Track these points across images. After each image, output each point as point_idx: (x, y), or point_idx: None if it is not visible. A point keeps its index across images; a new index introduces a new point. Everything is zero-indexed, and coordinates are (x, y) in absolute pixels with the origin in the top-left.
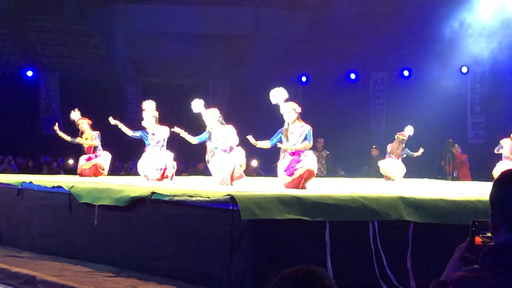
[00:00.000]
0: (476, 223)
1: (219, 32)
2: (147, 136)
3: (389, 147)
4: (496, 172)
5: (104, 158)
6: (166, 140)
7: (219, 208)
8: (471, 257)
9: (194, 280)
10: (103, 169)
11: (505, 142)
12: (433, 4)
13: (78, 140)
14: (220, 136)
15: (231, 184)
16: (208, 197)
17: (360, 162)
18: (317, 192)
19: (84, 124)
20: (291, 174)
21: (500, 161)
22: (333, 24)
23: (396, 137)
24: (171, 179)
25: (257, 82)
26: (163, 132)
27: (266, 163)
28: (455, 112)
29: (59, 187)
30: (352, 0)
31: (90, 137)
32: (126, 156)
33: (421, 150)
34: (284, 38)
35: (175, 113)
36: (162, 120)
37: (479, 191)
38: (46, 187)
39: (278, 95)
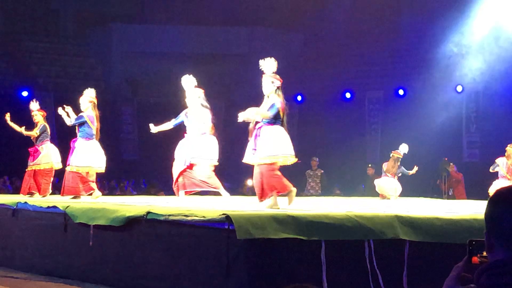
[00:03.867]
0: (474, 242)
1: (214, 51)
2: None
3: (385, 166)
4: (492, 190)
5: (46, 154)
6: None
7: (214, 228)
8: (468, 276)
9: None
10: (45, 174)
11: (500, 161)
12: (428, 24)
13: (26, 132)
14: (194, 118)
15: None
16: (204, 217)
17: (356, 181)
18: (312, 211)
19: (38, 116)
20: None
21: (496, 180)
22: (328, 44)
23: (391, 155)
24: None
25: (252, 101)
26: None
27: None
28: (450, 131)
29: (54, 207)
30: (347, 19)
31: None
32: (121, 175)
33: (416, 168)
34: (279, 58)
35: (171, 132)
36: (159, 139)
37: (475, 209)
38: (41, 207)
39: (267, 65)
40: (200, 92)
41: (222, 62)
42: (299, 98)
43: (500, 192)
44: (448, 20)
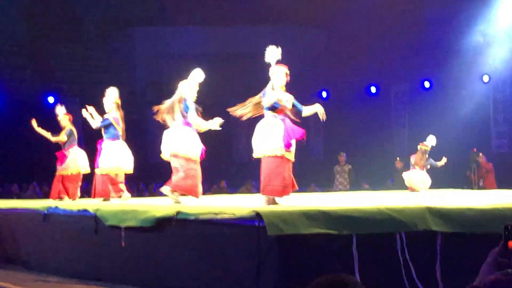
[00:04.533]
0: (510, 227)
1: (237, 51)
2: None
3: (413, 159)
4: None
5: (73, 159)
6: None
7: (245, 225)
8: (504, 261)
9: None
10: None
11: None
12: (452, 14)
13: (54, 137)
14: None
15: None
16: (234, 214)
17: (384, 175)
18: (343, 205)
19: (64, 120)
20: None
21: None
22: (351, 39)
23: (418, 148)
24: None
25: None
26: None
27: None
28: (478, 122)
29: (85, 210)
30: (370, 13)
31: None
32: (150, 177)
33: (444, 160)
34: (303, 55)
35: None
36: None
37: (506, 199)
38: (72, 211)
39: (272, 53)
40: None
41: (246, 62)
42: (324, 94)
43: None
44: (472, 9)
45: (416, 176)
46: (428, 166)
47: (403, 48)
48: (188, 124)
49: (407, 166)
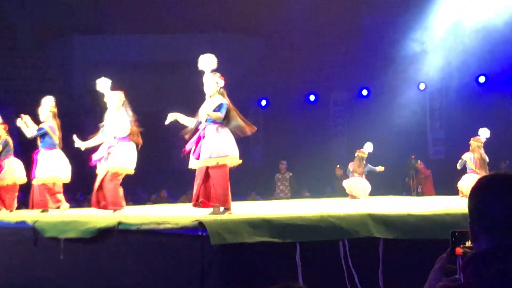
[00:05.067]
0: (456, 233)
1: (176, 59)
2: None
3: (351, 166)
4: (462, 184)
5: (9, 169)
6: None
7: (188, 235)
8: (452, 268)
9: None
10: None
11: (467, 156)
12: (388, 22)
13: None
14: (113, 121)
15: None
16: (176, 224)
17: (324, 183)
18: (285, 213)
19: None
20: (197, 157)
21: (466, 174)
22: (290, 47)
23: (356, 155)
24: None
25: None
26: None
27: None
28: (416, 129)
29: (23, 222)
30: (309, 22)
31: None
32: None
33: (381, 167)
34: (242, 63)
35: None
36: None
37: (445, 205)
38: (9, 222)
39: (206, 61)
40: (121, 95)
41: (184, 70)
42: (263, 102)
43: (482, 181)
44: (408, 18)
45: (356, 183)
46: (366, 172)
47: (341, 56)
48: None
49: (346, 174)
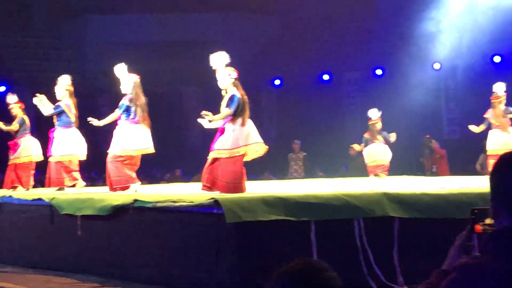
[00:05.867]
0: (476, 211)
1: (189, 39)
2: None
3: (367, 134)
4: (490, 143)
5: (25, 147)
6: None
7: (203, 212)
8: (471, 245)
9: (181, 286)
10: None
11: (489, 113)
12: (404, 2)
13: (5, 127)
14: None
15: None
16: (192, 202)
17: (338, 162)
18: (300, 191)
19: (15, 109)
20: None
21: (490, 131)
22: (303, 26)
23: (369, 126)
24: None
25: None
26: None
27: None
28: (430, 109)
29: (40, 199)
30: (323, 0)
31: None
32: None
33: (394, 135)
34: (255, 43)
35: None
36: None
37: (461, 184)
38: (26, 200)
39: (218, 59)
40: (136, 78)
41: (198, 49)
42: (277, 82)
43: (504, 157)
44: None
45: (378, 148)
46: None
47: (356, 35)
48: None
49: (360, 154)
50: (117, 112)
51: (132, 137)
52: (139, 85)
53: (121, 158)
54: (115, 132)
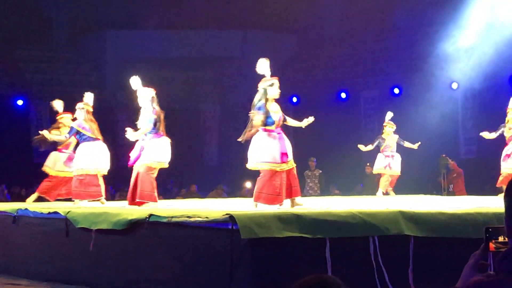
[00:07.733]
0: (490, 229)
1: (208, 55)
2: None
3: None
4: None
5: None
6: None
7: (218, 228)
8: (485, 264)
9: None
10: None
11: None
12: (422, 22)
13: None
14: (142, 118)
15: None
16: (207, 217)
17: (354, 181)
18: (316, 209)
19: (64, 119)
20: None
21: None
22: (322, 44)
23: (385, 129)
24: None
25: (248, 104)
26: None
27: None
28: (447, 128)
29: (55, 212)
30: (341, 19)
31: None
32: (120, 180)
33: (418, 143)
34: (273, 60)
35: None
36: None
37: (477, 204)
38: (42, 213)
39: (264, 65)
40: (152, 92)
41: (216, 66)
42: (294, 99)
43: None
44: (442, 17)
45: (395, 158)
46: (403, 143)
47: (373, 54)
48: None
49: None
50: (148, 126)
51: (162, 149)
52: (155, 99)
53: (154, 170)
54: (140, 144)
